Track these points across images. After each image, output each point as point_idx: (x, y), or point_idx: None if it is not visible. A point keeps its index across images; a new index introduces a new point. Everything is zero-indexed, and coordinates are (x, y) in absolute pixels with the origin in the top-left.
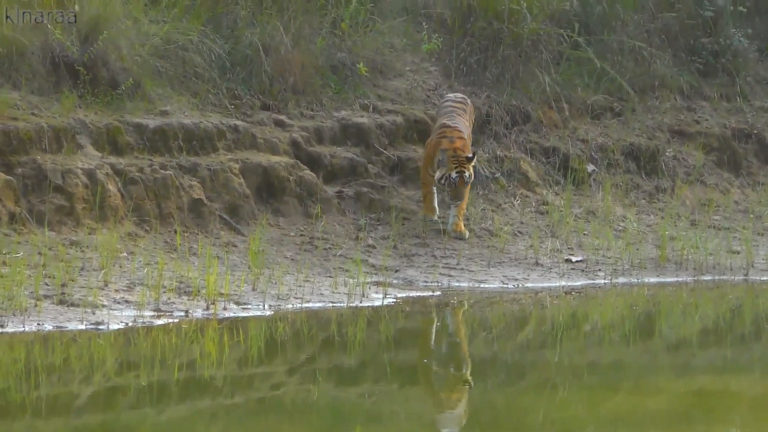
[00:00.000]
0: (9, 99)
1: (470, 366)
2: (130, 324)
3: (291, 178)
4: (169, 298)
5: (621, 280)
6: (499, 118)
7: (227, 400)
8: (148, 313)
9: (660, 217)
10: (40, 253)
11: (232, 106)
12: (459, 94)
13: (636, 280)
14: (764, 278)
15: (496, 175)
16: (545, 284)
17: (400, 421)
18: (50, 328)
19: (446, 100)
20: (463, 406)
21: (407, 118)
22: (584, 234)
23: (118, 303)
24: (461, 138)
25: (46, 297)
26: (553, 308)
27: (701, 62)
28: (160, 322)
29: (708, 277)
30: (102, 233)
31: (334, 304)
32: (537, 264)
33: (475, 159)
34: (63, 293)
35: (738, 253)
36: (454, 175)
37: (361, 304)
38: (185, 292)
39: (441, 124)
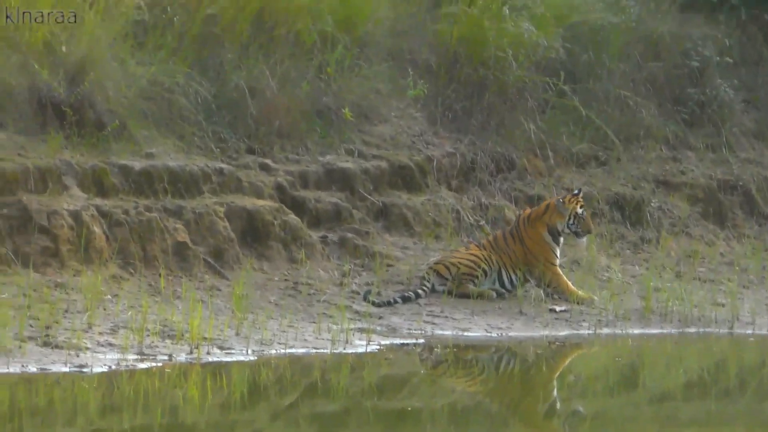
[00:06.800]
0: None
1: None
2: (114, 367)
3: (275, 222)
4: (153, 342)
5: (605, 331)
6: (483, 166)
7: None
8: (131, 357)
9: (645, 267)
10: (24, 295)
11: (218, 149)
12: None
13: (620, 332)
14: (749, 331)
15: (481, 223)
16: (529, 333)
17: None
18: (34, 369)
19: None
20: None
21: (392, 164)
22: None
23: (102, 346)
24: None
25: (30, 338)
26: (537, 358)
27: (687, 112)
28: (143, 365)
29: (693, 330)
30: (87, 275)
31: (318, 350)
32: (521, 313)
33: None
34: (47, 335)
35: (723, 305)
36: (579, 210)
37: (344, 351)
38: (169, 335)
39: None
